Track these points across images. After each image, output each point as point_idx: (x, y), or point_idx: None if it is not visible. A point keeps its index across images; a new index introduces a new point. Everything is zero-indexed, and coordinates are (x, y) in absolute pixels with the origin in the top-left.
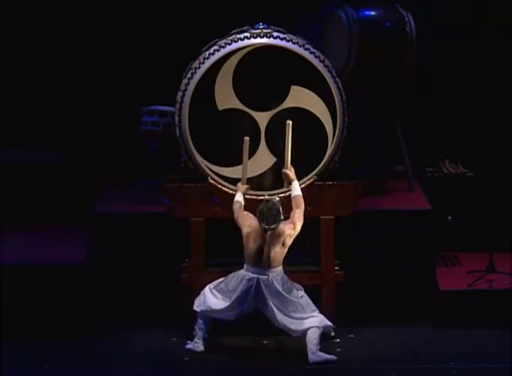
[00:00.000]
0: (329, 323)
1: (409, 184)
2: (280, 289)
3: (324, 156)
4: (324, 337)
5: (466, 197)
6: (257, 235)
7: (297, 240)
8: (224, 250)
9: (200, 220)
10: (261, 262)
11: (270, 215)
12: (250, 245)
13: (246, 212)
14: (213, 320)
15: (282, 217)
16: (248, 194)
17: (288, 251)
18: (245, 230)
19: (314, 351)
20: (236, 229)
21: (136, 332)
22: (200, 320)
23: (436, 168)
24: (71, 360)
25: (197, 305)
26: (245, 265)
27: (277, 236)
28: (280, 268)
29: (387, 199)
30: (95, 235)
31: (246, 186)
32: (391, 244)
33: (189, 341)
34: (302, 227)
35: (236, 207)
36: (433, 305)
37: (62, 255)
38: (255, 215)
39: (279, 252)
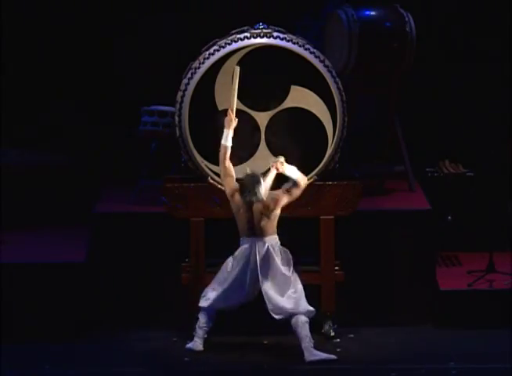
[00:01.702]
0: (311, 308)
1: (409, 184)
2: (276, 257)
3: (324, 156)
4: (324, 337)
5: (466, 197)
6: (245, 210)
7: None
8: (224, 250)
9: (200, 220)
10: (255, 231)
11: (252, 189)
12: (241, 218)
13: (232, 177)
14: (215, 319)
15: (263, 189)
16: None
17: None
18: (234, 205)
19: (310, 349)
20: (236, 228)
21: (136, 332)
22: (201, 319)
23: (436, 168)
24: (71, 360)
25: (202, 301)
26: (241, 240)
27: (261, 207)
28: (275, 236)
29: (387, 199)
30: (95, 235)
31: (235, 120)
32: (391, 244)
33: (188, 341)
34: (302, 227)
35: (223, 155)
36: (433, 305)
37: (62, 255)
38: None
39: (268, 224)
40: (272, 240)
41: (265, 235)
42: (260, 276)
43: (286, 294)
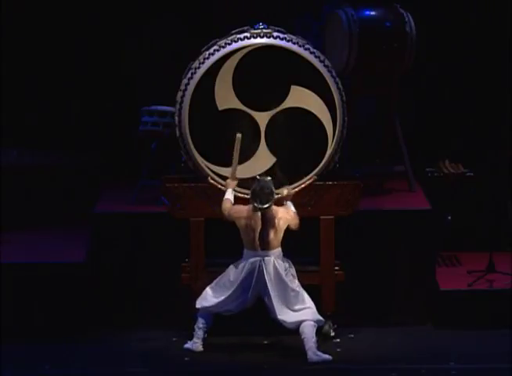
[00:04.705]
0: (321, 318)
1: (409, 184)
2: (283, 274)
3: (324, 156)
4: (324, 337)
5: (466, 197)
6: (254, 222)
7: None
8: (224, 250)
9: (200, 220)
10: (261, 244)
11: (263, 194)
12: (249, 232)
13: (235, 206)
14: (214, 320)
15: (274, 196)
16: (240, 193)
17: (288, 251)
18: (242, 223)
19: (314, 350)
20: (235, 228)
21: (136, 332)
22: (199, 319)
23: (436, 168)
24: (71, 360)
25: (199, 302)
26: (245, 252)
27: (271, 219)
28: (279, 249)
29: (387, 199)
30: (95, 235)
31: (236, 181)
32: (391, 244)
33: (188, 341)
34: (302, 227)
35: (226, 205)
36: (433, 305)
37: (62, 255)
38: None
39: (275, 236)
40: (277, 253)
41: (271, 248)
42: (272, 297)
43: (299, 308)
